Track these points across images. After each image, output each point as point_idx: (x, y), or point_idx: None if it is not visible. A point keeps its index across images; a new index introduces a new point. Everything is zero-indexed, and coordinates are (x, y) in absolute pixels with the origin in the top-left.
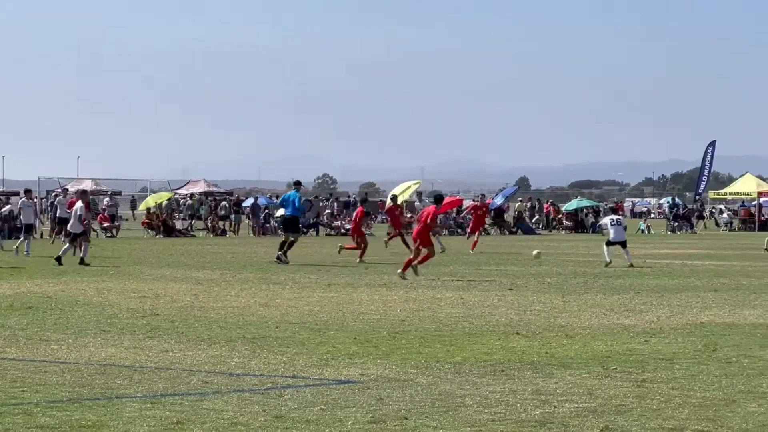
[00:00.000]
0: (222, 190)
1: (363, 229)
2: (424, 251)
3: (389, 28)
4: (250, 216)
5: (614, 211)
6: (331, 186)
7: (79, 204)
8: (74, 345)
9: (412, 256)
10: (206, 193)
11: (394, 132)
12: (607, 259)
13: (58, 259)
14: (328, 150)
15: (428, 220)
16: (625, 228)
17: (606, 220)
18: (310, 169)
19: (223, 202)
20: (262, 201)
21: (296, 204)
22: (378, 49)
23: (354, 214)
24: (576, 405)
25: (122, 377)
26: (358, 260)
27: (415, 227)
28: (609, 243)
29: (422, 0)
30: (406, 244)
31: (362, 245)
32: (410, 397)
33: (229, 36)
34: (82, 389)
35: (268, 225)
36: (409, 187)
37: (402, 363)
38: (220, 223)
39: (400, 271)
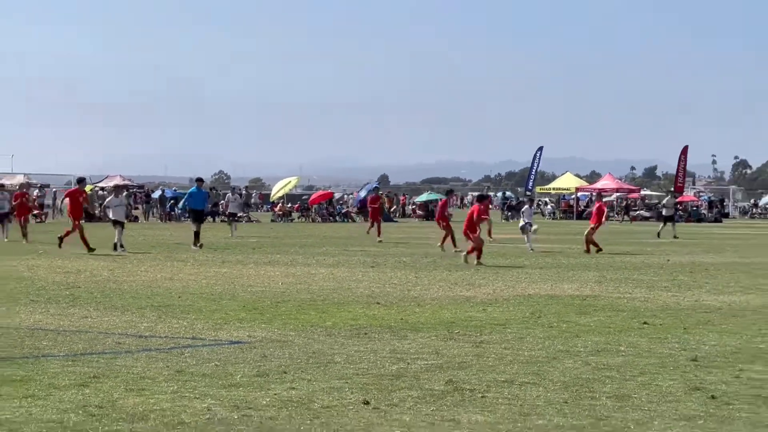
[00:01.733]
0: (135, 184)
1: (447, 216)
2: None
3: (278, 39)
4: (158, 205)
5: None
6: (226, 180)
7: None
8: (7, 313)
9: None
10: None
11: (278, 134)
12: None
13: (116, 247)
14: (222, 149)
15: (475, 216)
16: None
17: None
18: (208, 166)
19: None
20: (168, 193)
21: (196, 198)
22: (259, 59)
23: (438, 205)
24: (426, 362)
25: (48, 339)
26: (439, 246)
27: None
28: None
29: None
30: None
31: (448, 232)
32: (289, 355)
33: (129, 43)
34: (13, 349)
35: (173, 213)
36: (289, 182)
37: (283, 327)
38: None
39: (475, 261)
